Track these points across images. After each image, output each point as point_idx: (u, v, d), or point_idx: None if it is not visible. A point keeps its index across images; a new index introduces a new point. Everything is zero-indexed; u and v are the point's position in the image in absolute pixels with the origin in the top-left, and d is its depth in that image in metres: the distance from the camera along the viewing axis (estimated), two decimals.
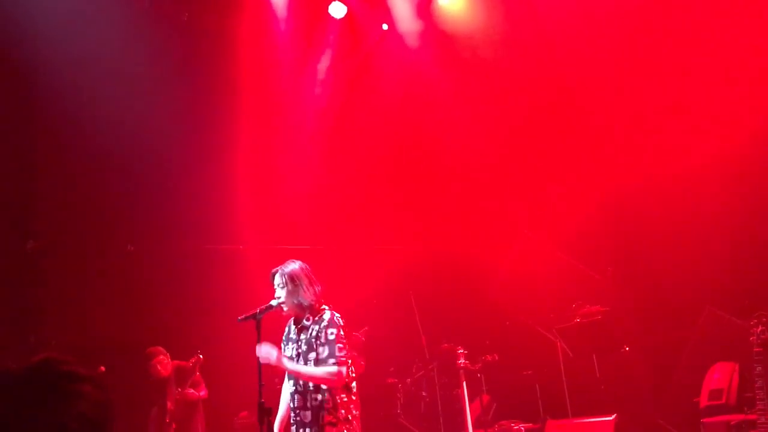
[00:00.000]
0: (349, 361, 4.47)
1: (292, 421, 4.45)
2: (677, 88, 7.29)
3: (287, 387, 4.60)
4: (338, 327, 4.45)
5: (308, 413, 4.39)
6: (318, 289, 4.56)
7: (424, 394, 7.83)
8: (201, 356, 6.58)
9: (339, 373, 4.31)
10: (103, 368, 6.78)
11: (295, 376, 4.40)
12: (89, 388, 1.56)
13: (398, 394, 7.88)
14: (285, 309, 4.51)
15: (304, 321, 4.51)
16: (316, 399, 4.38)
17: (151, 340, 6.97)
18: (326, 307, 4.55)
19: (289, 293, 4.48)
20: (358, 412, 4.48)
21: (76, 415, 1.52)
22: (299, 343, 4.52)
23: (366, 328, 7.16)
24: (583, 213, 7.69)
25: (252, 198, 8.20)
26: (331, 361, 4.32)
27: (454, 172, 8.69)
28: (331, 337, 4.38)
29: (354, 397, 4.46)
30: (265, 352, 4.30)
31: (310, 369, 4.36)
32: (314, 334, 4.44)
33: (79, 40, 7.34)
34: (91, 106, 7.44)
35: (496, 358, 6.86)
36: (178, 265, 7.78)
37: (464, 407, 6.37)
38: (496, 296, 8.21)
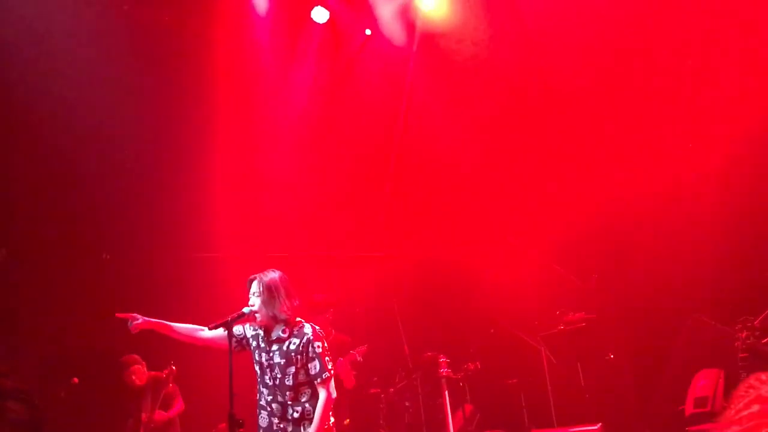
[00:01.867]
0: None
1: (275, 428, 4.42)
2: (664, 95, 7.26)
3: (209, 332, 4.52)
4: (322, 339, 4.46)
5: (289, 425, 4.38)
6: (296, 303, 4.50)
7: (407, 404, 7.70)
8: (174, 367, 6.43)
9: (329, 395, 4.36)
10: (76, 379, 6.63)
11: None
12: (13, 404, 1.42)
13: (381, 405, 7.75)
14: (258, 318, 4.42)
15: (280, 333, 4.42)
16: (297, 411, 4.37)
17: (126, 349, 6.80)
18: (302, 320, 4.48)
19: (264, 303, 4.40)
20: (334, 420, 4.51)
21: None
22: (271, 354, 4.44)
23: (365, 346, 7.03)
24: (568, 220, 7.64)
25: (231, 205, 8.07)
26: (324, 375, 4.35)
27: (438, 179, 8.60)
28: (319, 351, 4.38)
29: (331, 405, 4.46)
30: None
31: (316, 421, 4.31)
32: (293, 347, 4.39)
33: (56, 44, 7.24)
34: (68, 111, 7.32)
35: (479, 366, 6.77)
36: (154, 273, 7.64)
37: (447, 417, 6.25)
38: (480, 304, 8.12)
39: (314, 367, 4.35)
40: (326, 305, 6.85)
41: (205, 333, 4.54)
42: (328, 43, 8.70)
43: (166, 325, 4.58)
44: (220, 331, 4.36)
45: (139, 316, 4.50)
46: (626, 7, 7.32)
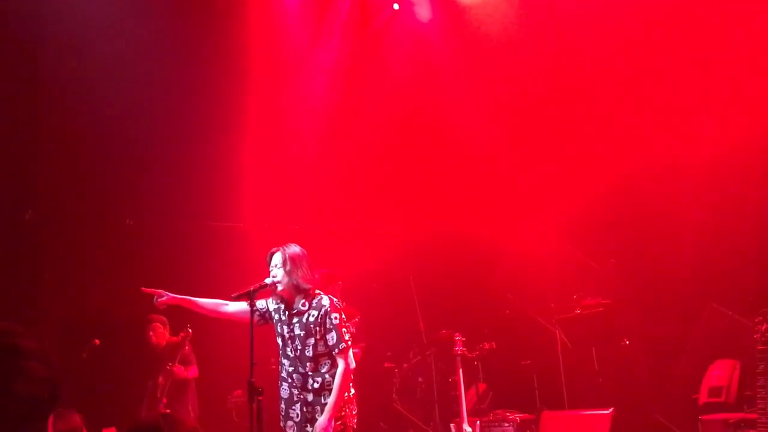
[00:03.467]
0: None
1: (295, 399, 4.52)
2: (688, 74, 7.13)
3: (232, 307, 4.63)
4: (340, 311, 4.54)
5: (309, 394, 4.49)
6: (316, 276, 4.59)
7: (420, 380, 7.78)
8: (190, 330, 6.52)
9: (347, 365, 4.44)
10: (98, 341, 6.77)
11: (335, 402, 4.39)
12: (33, 364, 1.45)
13: (394, 380, 7.83)
14: (280, 288, 4.49)
15: (300, 306, 4.50)
16: (317, 381, 4.48)
17: (147, 313, 6.90)
18: (321, 293, 4.55)
19: (288, 273, 4.49)
20: (354, 391, 4.62)
21: (18, 394, 1.42)
22: (292, 326, 4.53)
23: (356, 319, 7.08)
24: (588, 203, 7.58)
25: (254, 176, 8.12)
26: (341, 346, 4.43)
27: (459, 156, 8.58)
28: (336, 322, 4.46)
29: (352, 376, 4.56)
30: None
31: (335, 391, 4.40)
32: (312, 319, 4.48)
33: (85, 9, 7.27)
34: (95, 76, 7.38)
35: (494, 346, 6.80)
36: (177, 240, 7.73)
37: (460, 395, 6.31)
38: (497, 284, 8.13)
39: (332, 338, 4.44)
40: (331, 279, 6.88)
41: (229, 307, 4.65)
42: (355, 17, 8.66)
43: (191, 300, 4.68)
44: (244, 305, 4.45)
45: (164, 293, 4.59)
46: None
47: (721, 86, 6.93)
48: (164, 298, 4.59)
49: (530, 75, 8.04)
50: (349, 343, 4.51)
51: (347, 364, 4.44)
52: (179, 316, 6.83)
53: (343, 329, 4.49)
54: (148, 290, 4.62)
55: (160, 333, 6.83)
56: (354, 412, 4.57)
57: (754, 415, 5.03)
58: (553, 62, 7.88)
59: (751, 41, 6.77)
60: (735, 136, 6.77)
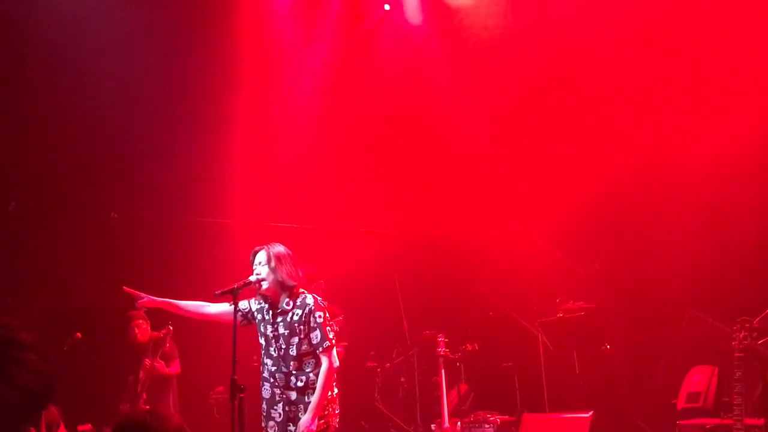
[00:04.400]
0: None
1: (277, 398, 4.52)
2: (673, 83, 7.19)
3: (215, 308, 4.65)
4: (324, 309, 4.54)
5: (293, 393, 4.49)
6: (300, 273, 4.57)
7: (402, 380, 7.81)
8: (171, 327, 6.50)
9: (331, 364, 4.44)
10: (79, 334, 6.72)
11: (319, 401, 4.39)
12: (32, 356, 1.47)
13: (376, 379, 7.86)
14: (264, 286, 4.49)
15: (284, 305, 4.50)
16: (301, 380, 4.48)
17: (130, 308, 6.87)
18: (305, 291, 4.55)
19: (273, 271, 4.49)
20: (337, 390, 4.64)
21: (16, 386, 1.43)
22: (276, 326, 4.53)
23: (340, 317, 7.10)
24: (573, 208, 7.63)
25: (241, 172, 8.10)
26: (325, 344, 4.43)
27: (447, 158, 8.60)
28: (320, 321, 4.47)
29: (335, 375, 4.57)
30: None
31: (319, 389, 4.39)
32: (296, 318, 4.48)
33: (75, 3, 7.24)
34: (81, 68, 7.34)
35: (477, 347, 6.84)
36: (161, 235, 7.71)
37: (441, 395, 6.34)
38: (482, 286, 8.17)
39: (315, 336, 4.45)
40: (313, 277, 6.88)
41: (212, 308, 4.65)
42: (346, 16, 8.66)
43: (172, 303, 4.68)
44: (226, 306, 4.45)
45: (145, 296, 4.58)
46: None
47: (711, 92, 6.98)
48: (145, 300, 4.58)
49: (519, 77, 8.07)
50: (333, 341, 4.51)
51: (331, 363, 4.44)
52: (161, 312, 6.80)
53: (327, 327, 4.50)
54: (130, 291, 4.60)
55: (144, 329, 6.82)
56: (336, 411, 4.58)
57: (730, 421, 5.10)
58: (543, 65, 7.92)
59: (744, 41, 6.80)
60: (722, 143, 6.83)
